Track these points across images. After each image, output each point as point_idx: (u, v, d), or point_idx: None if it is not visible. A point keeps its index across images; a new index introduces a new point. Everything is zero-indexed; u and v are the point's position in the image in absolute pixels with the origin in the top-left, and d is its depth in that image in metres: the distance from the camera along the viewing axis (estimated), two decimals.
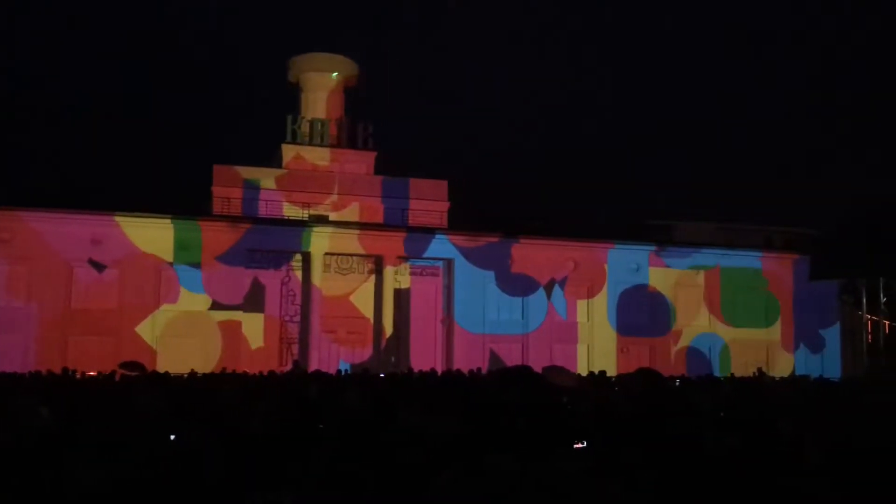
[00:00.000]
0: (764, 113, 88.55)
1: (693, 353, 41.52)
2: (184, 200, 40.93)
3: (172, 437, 7.12)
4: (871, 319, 27.28)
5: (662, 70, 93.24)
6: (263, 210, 40.47)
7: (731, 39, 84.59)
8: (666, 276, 42.21)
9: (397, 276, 39.67)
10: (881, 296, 27.29)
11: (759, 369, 31.38)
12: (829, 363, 41.04)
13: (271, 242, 37.47)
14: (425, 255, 39.54)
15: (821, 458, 4.42)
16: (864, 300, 26.91)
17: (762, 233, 46.75)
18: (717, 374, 32.50)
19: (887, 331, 27.08)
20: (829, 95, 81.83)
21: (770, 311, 43.31)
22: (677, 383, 18.91)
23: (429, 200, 43.98)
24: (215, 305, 35.88)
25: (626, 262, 41.90)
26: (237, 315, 36.26)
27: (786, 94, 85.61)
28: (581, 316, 41.34)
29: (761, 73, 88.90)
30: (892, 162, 74.50)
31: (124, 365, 23.39)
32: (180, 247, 35.85)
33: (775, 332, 43.04)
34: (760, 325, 43.04)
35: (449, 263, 40.05)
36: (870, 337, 27.50)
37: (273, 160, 44.15)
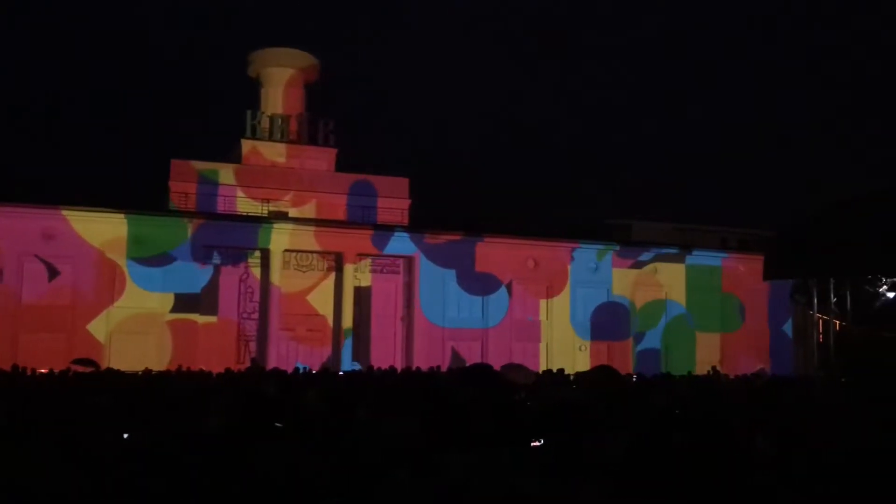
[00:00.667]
0: (716, 114, 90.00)
1: (651, 353, 42.05)
2: (140, 195, 40.31)
3: (126, 435, 7.00)
4: (822, 319, 27.88)
5: (621, 70, 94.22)
6: (221, 206, 40.01)
7: (673, 40, 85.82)
8: (626, 275, 42.68)
9: (357, 274, 39.49)
10: (832, 296, 27.90)
11: (714, 368, 31.91)
12: (781, 362, 42.06)
13: (229, 238, 37.02)
14: (386, 252, 39.46)
15: (772, 453, 4.52)
16: (816, 300, 27.46)
17: (718, 234, 47.58)
18: (674, 372, 32.97)
19: (838, 329, 27.68)
20: (774, 97, 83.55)
21: (727, 311, 44.09)
22: (634, 381, 19.16)
23: (390, 198, 43.93)
24: (170, 302, 35.33)
25: (586, 262, 42.28)
26: (192, 313, 35.73)
27: (733, 96, 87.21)
28: (541, 314, 41.63)
29: (707, 73, 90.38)
30: (844, 163, 76.28)
31: (77, 361, 23.00)
32: (135, 242, 35.21)
33: (732, 331, 43.77)
34: (717, 324, 43.79)
35: (410, 261, 40.02)
36: (821, 336, 28.10)
37: (232, 155, 43.68)
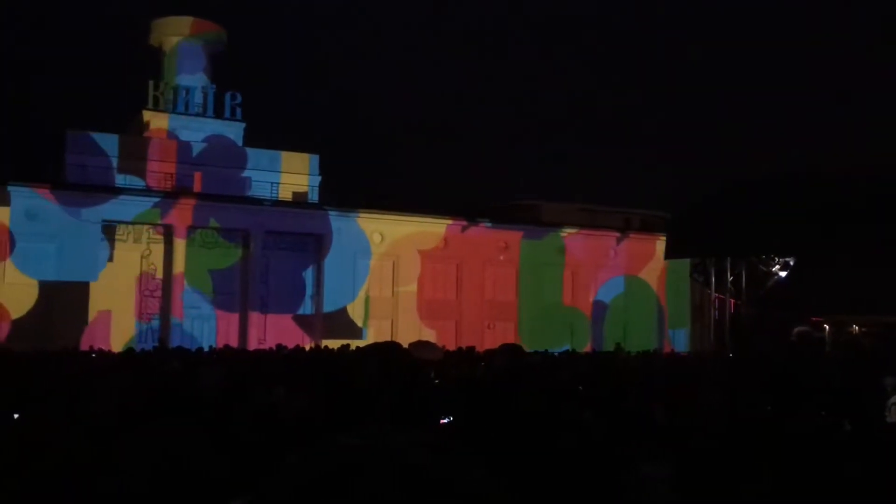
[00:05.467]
0: (622, 96, 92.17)
1: (558, 330, 42.98)
2: (33, 168, 38.21)
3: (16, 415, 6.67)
4: (718, 297, 29.07)
5: (538, 51, 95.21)
6: (122, 180, 38.41)
7: (557, 26, 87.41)
8: (534, 254, 43.33)
9: (266, 252, 38.73)
10: (728, 275, 29.10)
11: (618, 344, 32.91)
12: (678, 339, 43.94)
13: (130, 214, 35.64)
14: (294, 230, 38.83)
15: (666, 424, 4.69)
16: (713, 279, 28.61)
17: (621, 214, 48.91)
18: (579, 349, 33.82)
19: (732, 309, 28.94)
20: (681, 78, 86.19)
21: (630, 288, 45.44)
22: (539, 359, 19.47)
23: (298, 174, 43.17)
24: (66, 279, 33.80)
25: (494, 240, 42.72)
26: (91, 290, 34.32)
27: (641, 78, 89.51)
28: (449, 293, 41.90)
29: (608, 53, 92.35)
30: (742, 144, 79.46)
31: None
32: (27, 217, 33.49)
33: (634, 308, 45.16)
34: (619, 301, 45.14)
35: (318, 239, 39.51)
36: (717, 314, 29.34)
37: (133, 127, 41.98)
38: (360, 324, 39.11)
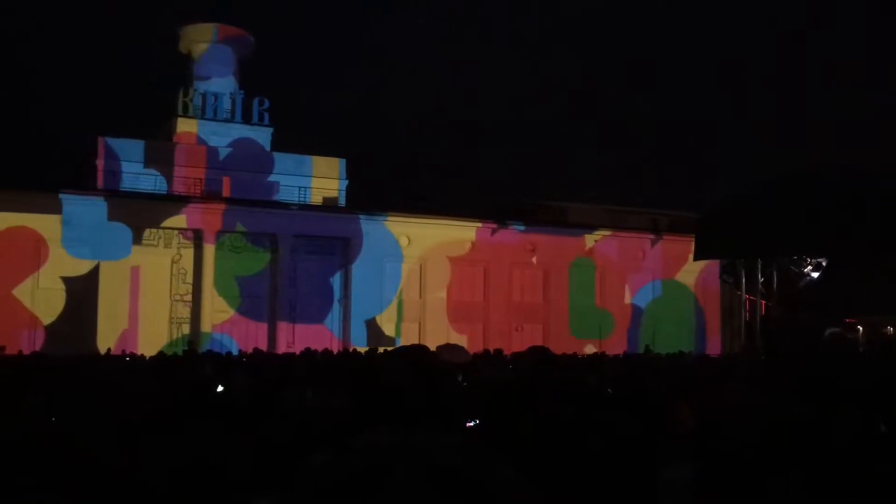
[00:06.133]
0: (646, 98, 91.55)
1: (587, 332, 42.70)
2: (67, 174, 38.90)
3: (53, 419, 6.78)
4: (748, 299, 28.73)
5: (566, 54, 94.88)
6: (152, 185, 38.92)
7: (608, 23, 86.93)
8: (562, 256, 43.09)
9: (294, 255, 38.98)
10: (759, 276, 28.74)
11: (647, 346, 32.69)
12: (710, 340, 43.39)
13: (161, 219, 36.09)
14: (322, 233, 39.03)
15: (696, 427, 4.65)
16: (744, 280, 28.27)
17: (648, 215, 48.49)
18: (609, 352, 33.59)
19: (763, 310, 28.59)
20: (706, 81, 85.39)
21: (666, 291, 44.92)
22: (567, 361, 19.37)
23: (328, 178, 43.50)
24: (100, 285, 34.30)
25: (522, 243, 42.60)
26: (123, 294, 34.78)
27: (667, 80, 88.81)
28: (477, 295, 41.83)
29: (640, 55, 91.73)
30: (769, 146, 78.51)
31: None
32: (63, 223, 34.06)
33: (669, 311, 44.63)
34: (655, 304, 44.69)
35: (346, 242, 39.67)
36: (748, 315, 28.98)
37: (163, 134, 42.54)
38: (392, 332, 38.90)
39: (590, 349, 39.26)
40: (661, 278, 44.80)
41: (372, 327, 38.57)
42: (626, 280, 44.55)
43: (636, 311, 44.39)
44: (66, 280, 34.02)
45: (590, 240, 43.84)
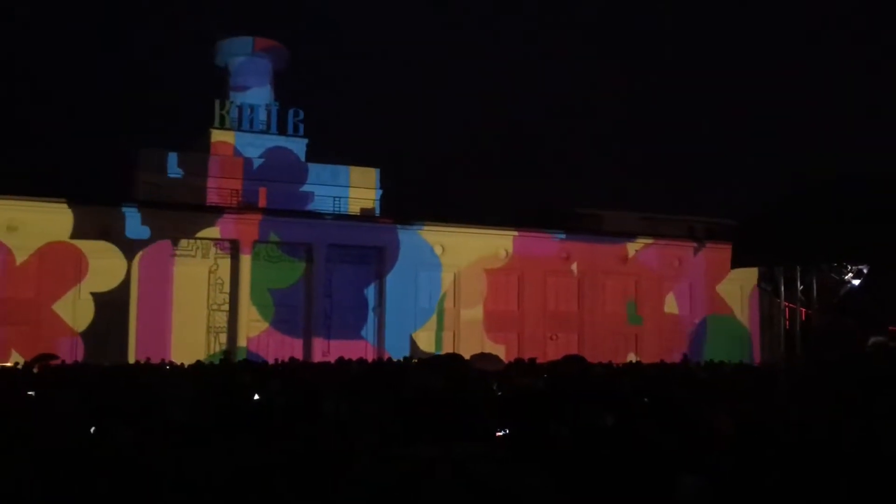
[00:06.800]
0: (680, 106, 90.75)
1: (622, 341, 42.33)
2: (108, 186, 39.74)
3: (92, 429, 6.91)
4: (788, 307, 28.22)
5: (600, 62, 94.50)
6: (190, 196, 39.52)
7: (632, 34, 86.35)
8: (595, 264, 42.77)
9: (329, 265, 39.23)
10: (798, 284, 28.21)
11: (685, 355, 32.34)
12: (747, 349, 42.59)
13: (198, 229, 36.60)
14: (357, 243, 39.24)
15: (733, 435, 4.61)
16: (782, 288, 27.77)
17: (685, 223, 47.88)
18: (645, 361, 33.29)
19: (804, 318, 28.06)
20: (736, 88, 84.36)
21: (709, 300, 44.27)
22: (602, 370, 19.27)
23: (364, 188, 43.87)
24: (138, 294, 34.89)
25: (556, 251, 42.34)
26: (163, 305, 35.33)
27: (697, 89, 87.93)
28: (511, 304, 41.65)
29: (673, 65, 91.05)
30: (809, 150, 77.19)
31: (40, 357, 22.59)
32: (102, 234, 34.72)
33: (712, 321, 43.96)
34: (685, 311, 44.11)
35: (380, 251, 39.82)
36: (787, 324, 28.46)
37: (201, 145, 43.19)
38: (429, 340, 38.94)
39: (631, 357, 38.96)
40: (703, 287, 44.14)
41: (407, 337, 38.62)
42: (666, 289, 44.01)
43: (676, 321, 43.81)
44: (102, 294, 34.64)
45: (631, 248, 43.37)
